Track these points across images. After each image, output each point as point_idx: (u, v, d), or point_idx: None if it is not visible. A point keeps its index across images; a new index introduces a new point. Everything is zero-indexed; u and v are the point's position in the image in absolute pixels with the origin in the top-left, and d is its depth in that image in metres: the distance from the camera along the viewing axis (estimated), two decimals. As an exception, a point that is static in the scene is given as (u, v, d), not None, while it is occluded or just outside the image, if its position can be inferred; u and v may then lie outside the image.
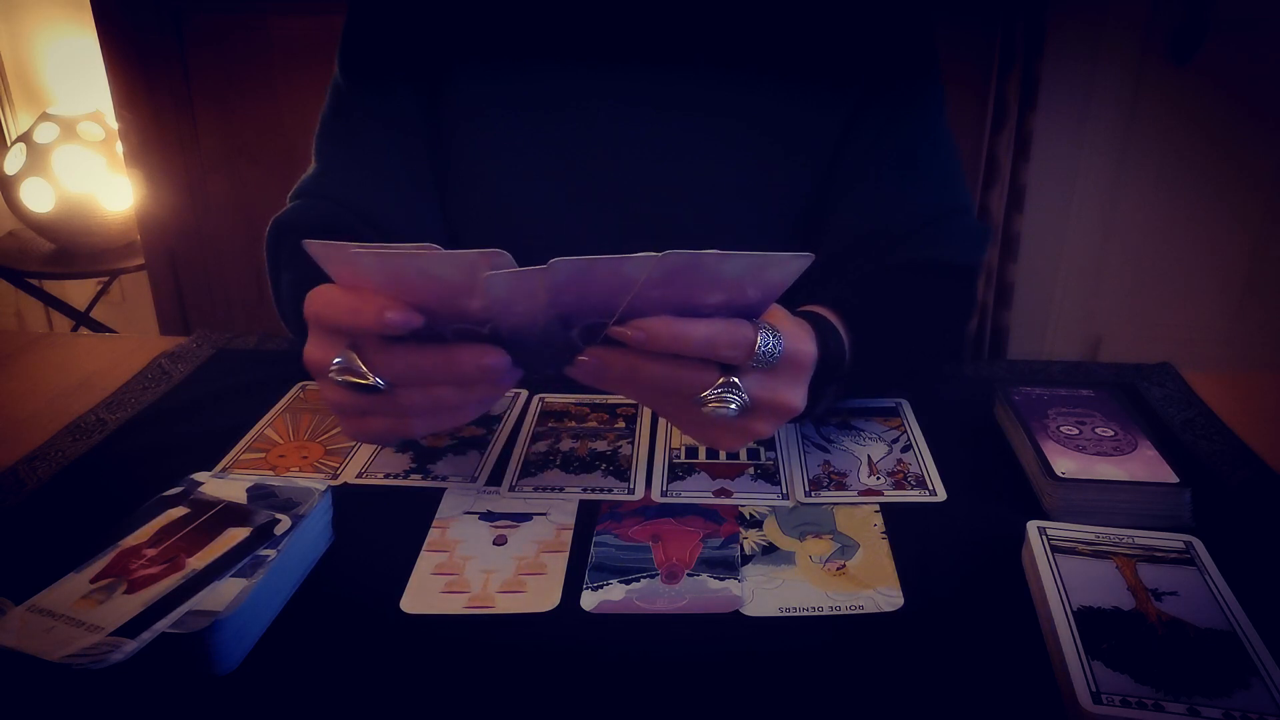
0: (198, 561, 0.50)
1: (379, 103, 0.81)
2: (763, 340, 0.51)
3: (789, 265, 0.50)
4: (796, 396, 0.54)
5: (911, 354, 0.74)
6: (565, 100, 0.80)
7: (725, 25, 0.79)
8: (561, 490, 0.63)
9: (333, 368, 0.51)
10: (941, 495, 0.63)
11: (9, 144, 1.91)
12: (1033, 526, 0.56)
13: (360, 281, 0.50)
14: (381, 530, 0.59)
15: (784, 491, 0.63)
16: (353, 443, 0.69)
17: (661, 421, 0.71)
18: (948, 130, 0.83)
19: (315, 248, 0.49)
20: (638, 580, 0.54)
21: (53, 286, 2.05)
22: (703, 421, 0.54)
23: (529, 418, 0.73)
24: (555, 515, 0.60)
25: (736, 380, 0.52)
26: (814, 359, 0.54)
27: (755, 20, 0.79)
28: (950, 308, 0.78)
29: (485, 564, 0.56)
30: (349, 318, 0.50)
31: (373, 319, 0.49)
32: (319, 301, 0.52)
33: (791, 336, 0.53)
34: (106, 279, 2.05)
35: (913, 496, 0.63)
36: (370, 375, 0.51)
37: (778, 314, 0.55)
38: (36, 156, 1.81)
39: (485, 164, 0.81)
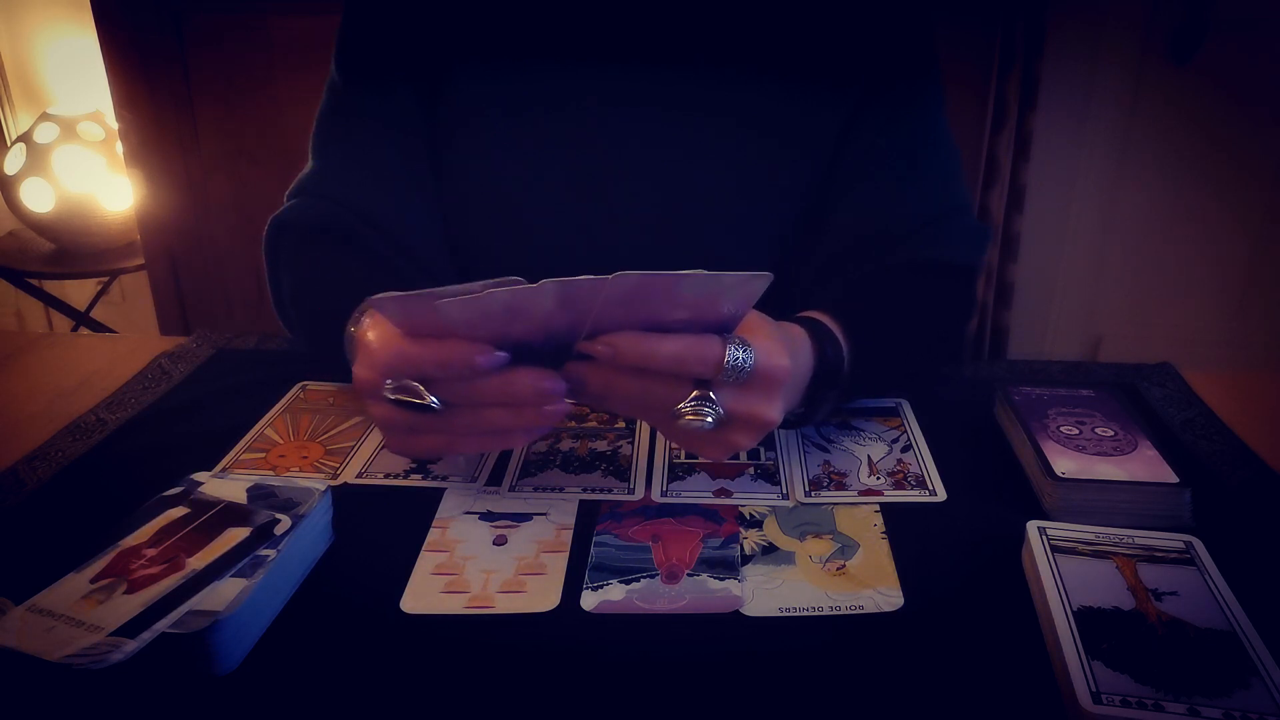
0: (198, 561, 0.50)
1: (378, 102, 0.80)
2: (731, 355, 0.51)
3: (749, 285, 0.51)
4: (772, 410, 0.55)
5: (911, 356, 0.74)
6: (565, 100, 0.80)
7: (725, 25, 0.79)
8: (561, 490, 0.63)
9: (389, 385, 0.52)
10: (941, 495, 0.63)
11: (9, 144, 1.91)
12: (1033, 526, 0.56)
13: (438, 327, 0.50)
14: (381, 530, 0.59)
15: (784, 491, 0.63)
16: (352, 443, 0.69)
17: (661, 421, 0.71)
18: (947, 130, 0.83)
19: (388, 304, 0.49)
20: (638, 580, 0.54)
21: (53, 286, 2.05)
22: (684, 431, 0.55)
23: (529, 418, 0.73)
24: (555, 515, 0.60)
25: (711, 394, 0.52)
26: (788, 372, 0.54)
27: (755, 20, 0.79)
28: (950, 308, 0.78)
29: (485, 564, 0.56)
30: (435, 370, 0.51)
31: (463, 367, 0.50)
32: (389, 354, 0.52)
33: (764, 351, 0.53)
34: (106, 279, 2.05)
35: (913, 496, 0.63)
36: (427, 395, 0.52)
37: (757, 326, 0.55)
38: (36, 156, 1.81)
39: (484, 164, 0.81)
